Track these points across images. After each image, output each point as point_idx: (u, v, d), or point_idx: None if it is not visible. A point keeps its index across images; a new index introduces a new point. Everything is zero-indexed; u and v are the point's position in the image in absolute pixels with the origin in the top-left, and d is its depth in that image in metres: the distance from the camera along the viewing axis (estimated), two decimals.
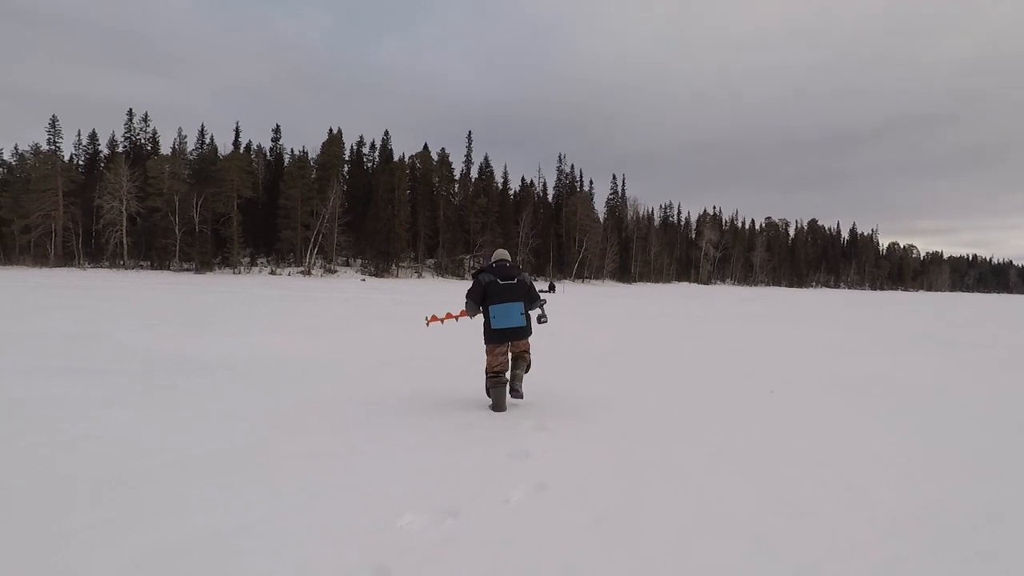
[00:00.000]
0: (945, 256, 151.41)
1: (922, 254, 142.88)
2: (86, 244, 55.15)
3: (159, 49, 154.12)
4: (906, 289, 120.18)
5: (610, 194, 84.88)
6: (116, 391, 5.50)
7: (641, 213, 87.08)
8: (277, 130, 68.35)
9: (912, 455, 4.35)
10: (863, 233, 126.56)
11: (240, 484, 3.30)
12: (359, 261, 62.24)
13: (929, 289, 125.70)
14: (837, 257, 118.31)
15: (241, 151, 63.87)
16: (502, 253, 5.55)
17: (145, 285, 29.46)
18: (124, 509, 2.92)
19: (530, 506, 3.14)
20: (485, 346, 5.29)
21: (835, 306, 34.38)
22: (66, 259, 53.22)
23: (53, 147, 57.74)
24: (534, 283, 5.50)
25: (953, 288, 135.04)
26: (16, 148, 59.10)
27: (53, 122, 58.26)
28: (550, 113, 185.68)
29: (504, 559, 2.54)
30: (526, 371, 5.31)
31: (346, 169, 67.19)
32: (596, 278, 73.89)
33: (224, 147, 64.28)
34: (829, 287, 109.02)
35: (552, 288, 41.40)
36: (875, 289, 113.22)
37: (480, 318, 5.40)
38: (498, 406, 5.16)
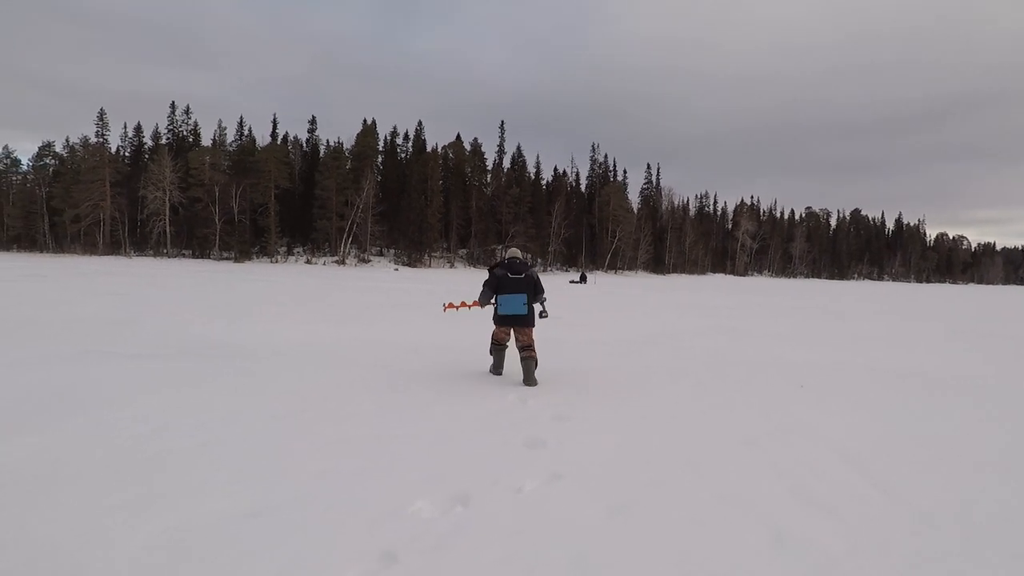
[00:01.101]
0: (998, 247, 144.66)
1: (973, 245, 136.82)
2: (131, 233, 57.22)
3: (201, 44, 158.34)
4: (954, 282, 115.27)
5: (644, 184, 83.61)
6: (155, 376, 5.69)
7: (676, 203, 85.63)
8: (313, 121, 69.45)
9: (943, 450, 4.17)
10: (909, 223, 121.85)
11: (259, 469, 3.38)
12: (392, 251, 62.98)
13: (980, 282, 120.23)
14: (881, 248, 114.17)
15: (278, 142, 65.17)
16: (515, 252, 6.53)
17: (187, 273, 30.44)
18: (151, 490, 3.03)
19: (543, 496, 3.13)
20: (494, 327, 6.39)
21: (857, 299, 33.21)
22: (113, 247, 55.38)
23: (101, 139, 59.89)
24: (540, 278, 6.54)
25: (1007, 281, 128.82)
26: (67, 141, 61.51)
27: (101, 115, 60.43)
28: (585, 101, 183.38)
29: (513, 549, 2.54)
30: (535, 365, 6.06)
31: (380, 159, 67.90)
32: (629, 269, 73.10)
33: (262, 138, 65.70)
34: (872, 279, 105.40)
35: (583, 279, 41.13)
36: (921, 282, 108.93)
37: (491, 309, 6.38)
38: (496, 368, 6.38)
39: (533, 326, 6.22)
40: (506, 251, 6.71)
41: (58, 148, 61.17)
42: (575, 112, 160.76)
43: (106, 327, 9.00)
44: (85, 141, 59.24)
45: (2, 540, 2.46)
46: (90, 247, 54.46)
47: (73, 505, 2.81)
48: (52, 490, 2.97)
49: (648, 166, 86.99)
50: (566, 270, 66.98)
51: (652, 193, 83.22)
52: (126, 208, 55.79)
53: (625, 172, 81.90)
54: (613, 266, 71.95)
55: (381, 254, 62.82)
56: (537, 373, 6.23)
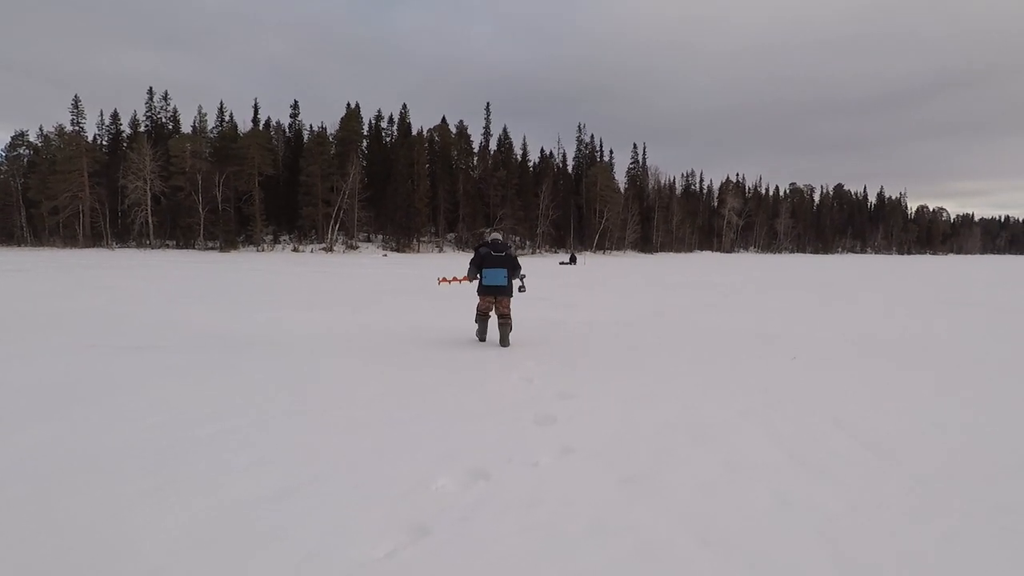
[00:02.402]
0: (976, 218, 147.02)
1: (952, 216, 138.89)
2: (113, 224, 56.24)
3: (180, 24, 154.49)
4: (934, 253, 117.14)
5: (631, 163, 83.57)
6: (162, 367, 5.75)
7: (663, 182, 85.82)
8: (295, 106, 68.40)
9: (937, 412, 4.38)
10: (891, 197, 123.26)
11: (277, 454, 3.49)
12: (380, 237, 62.67)
13: (959, 252, 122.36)
14: (864, 222, 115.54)
15: (260, 128, 64.18)
16: (496, 234, 7.70)
17: (172, 264, 30.14)
18: (172, 477, 3.12)
19: (558, 469, 3.27)
20: (478, 297, 7.43)
21: (830, 271, 33.78)
22: (94, 239, 54.42)
23: (77, 128, 58.41)
24: (518, 257, 7.62)
25: (984, 251, 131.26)
26: (41, 129, 60.00)
27: (76, 103, 58.79)
28: (571, 79, 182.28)
29: (535, 517, 2.68)
30: (510, 330, 7.22)
31: (365, 144, 67.18)
32: (617, 249, 73.48)
33: (244, 124, 64.55)
34: (855, 253, 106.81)
35: (573, 260, 41.31)
36: (902, 253, 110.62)
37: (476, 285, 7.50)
38: (481, 335, 7.43)
39: (511, 296, 7.34)
40: (489, 235, 7.70)
41: (32, 137, 59.68)
42: (560, 93, 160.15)
43: (104, 320, 8.98)
44: (60, 130, 57.71)
45: (31, 529, 2.55)
46: (70, 239, 53.49)
47: (96, 494, 2.87)
48: (74, 479, 3.05)
49: (635, 146, 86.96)
50: (555, 251, 67.11)
51: (639, 173, 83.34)
52: (106, 199, 54.68)
53: (611, 153, 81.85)
54: (601, 247, 72.31)
55: (369, 240, 62.48)
56: (541, 353, 6.74)
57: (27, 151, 59.09)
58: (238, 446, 3.57)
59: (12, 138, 59.66)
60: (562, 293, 15.57)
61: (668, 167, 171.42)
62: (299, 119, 68.15)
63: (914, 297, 16.26)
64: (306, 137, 64.89)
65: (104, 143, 62.30)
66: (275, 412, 4.28)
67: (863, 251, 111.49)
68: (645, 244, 76.99)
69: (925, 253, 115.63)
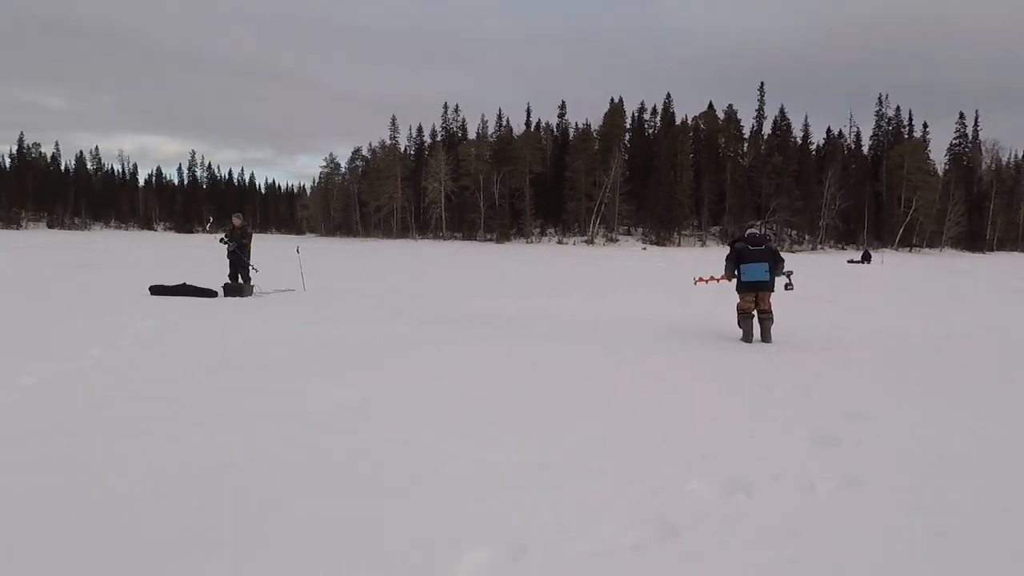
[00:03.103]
0: None
1: None
2: (416, 219, 67.75)
3: (464, 45, 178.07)
4: None
5: (955, 139, 66.61)
6: (444, 336, 6.65)
7: (1005, 160, 67.26)
8: (563, 106, 72.40)
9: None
10: None
11: (541, 426, 3.64)
12: (640, 230, 62.66)
13: None
14: None
15: (532, 130, 69.72)
16: (753, 229, 7.55)
17: (459, 253, 34.77)
18: (455, 431, 3.48)
19: (839, 499, 2.73)
20: (738, 295, 7.07)
21: None
22: (403, 232, 66.37)
23: (393, 141, 71.94)
24: (778, 250, 7.36)
25: None
26: (370, 144, 75.42)
27: (393, 121, 72.40)
28: (868, 42, 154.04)
29: (801, 548, 2.27)
30: (772, 323, 6.92)
31: (627, 138, 67.77)
32: (931, 246, 59.82)
33: (518, 127, 70.96)
34: None
35: (867, 258, 35.01)
36: None
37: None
38: (746, 336, 6.94)
39: (772, 291, 6.97)
40: (746, 230, 7.60)
41: (364, 151, 75.14)
42: (854, 59, 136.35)
43: (408, 298, 10.77)
44: (382, 144, 71.75)
45: (381, 450, 3.07)
46: (387, 232, 66.12)
47: (396, 421, 3.38)
48: (384, 414, 3.63)
49: (960, 116, 68.98)
50: (842, 248, 58.06)
51: (965, 150, 66.48)
52: (412, 198, 66.19)
53: (925, 126, 66.27)
54: (907, 243, 59.70)
55: (628, 233, 62.92)
56: (820, 362, 5.92)
57: (360, 162, 74.68)
58: (508, 415, 3.87)
59: (352, 153, 76.26)
60: (851, 296, 13.40)
61: (1014, 140, 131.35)
62: (565, 118, 71.84)
63: None
64: (571, 135, 68.19)
65: (412, 152, 74.89)
66: (538, 388, 4.52)
67: None
68: (973, 240, 60.87)
69: None
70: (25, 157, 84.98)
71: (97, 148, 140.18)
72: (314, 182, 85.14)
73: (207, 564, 2.08)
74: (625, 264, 26.46)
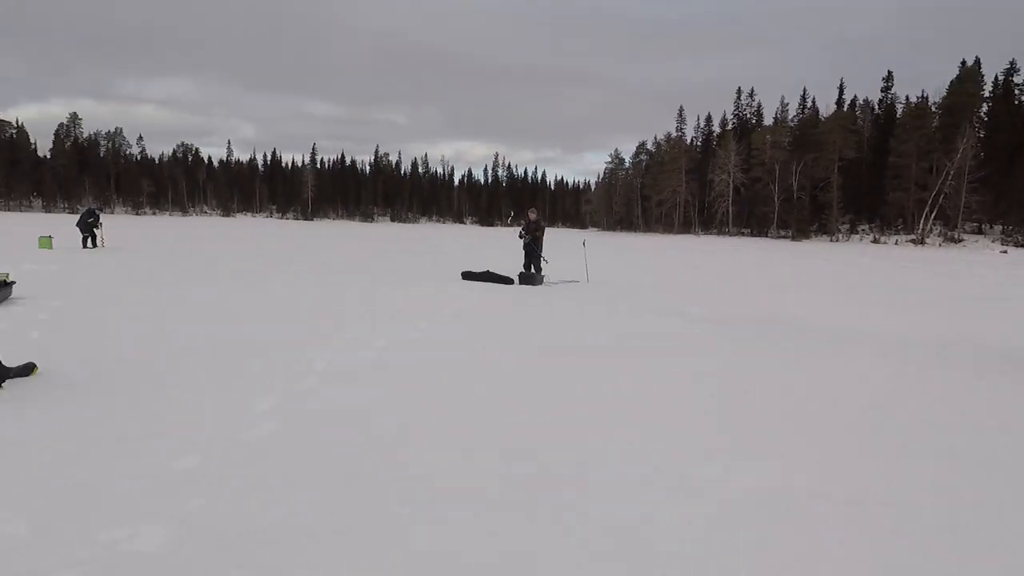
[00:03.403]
0: None
1: None
2: (700, 213, 64.49)
3: (762, 22, 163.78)
4: None
5: None
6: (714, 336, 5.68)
7: None
8: (888, 78, 60.26)
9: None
10: None
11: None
12: (998, 228, 48.60)
13: None
14: None
15: (844, 109, 59.84)
16: None
17: (748, 250, 31.71)
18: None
19: None
20: None
21: None
22: (686, 226, 63.87)
23: (679, 133, 69.62)
24: None
25: None
26: (655, 138, 74.45)
27: (680, 111, 70.09)
28: None
29: None
30: None
31: (984, 109, 53.07)
32: None
33: (826, 108, 61.79)
34: None
35: None
36: None
37: None
38: None
39: None
40: None
41: (648, 145, 74.62)
42: None
43: (681, 292, 9.85)
44: (668, 136, 70.03)
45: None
46: (667, 227, 64.52)
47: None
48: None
49: None
50: None
51: None
52: (696, 191, 63.18)
53: None
54: None
55: (980, 232, 49.46)
56: None
57: (644, 156, 74.40)
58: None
59: (636, 147, 76.59)
60: None
61: None
62: (891, 92, 59.82)
63: None
64: (899, 112, 56.42)
65: (698, 143, 71.58)
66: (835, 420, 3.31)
67: None
68: None
69: None
70: (379, 164, 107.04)
71: (426, 155, 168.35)
72: (598, 178, 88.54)
73: None
74: (974, 271, 20.42)
